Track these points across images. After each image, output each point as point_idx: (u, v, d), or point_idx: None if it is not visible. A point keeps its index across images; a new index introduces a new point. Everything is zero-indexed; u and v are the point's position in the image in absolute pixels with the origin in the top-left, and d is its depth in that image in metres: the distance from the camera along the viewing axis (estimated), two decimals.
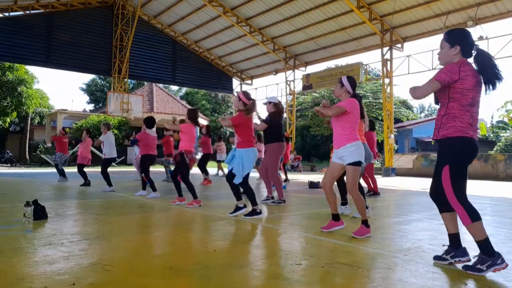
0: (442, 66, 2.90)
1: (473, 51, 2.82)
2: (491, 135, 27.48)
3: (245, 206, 5.15)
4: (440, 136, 2.79)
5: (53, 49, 23.12)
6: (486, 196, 8.71)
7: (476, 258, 2.72)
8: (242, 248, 3.53)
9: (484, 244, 2.68)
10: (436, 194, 2.92)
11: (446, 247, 2.99)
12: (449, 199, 2.75)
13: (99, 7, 24.79)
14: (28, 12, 22.19)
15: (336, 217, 4.10)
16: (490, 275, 2.68)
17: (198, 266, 2.83)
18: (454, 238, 2.93)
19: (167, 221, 4.96)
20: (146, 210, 5.75)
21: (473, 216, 2.69)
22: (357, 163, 3.85)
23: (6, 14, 21.59)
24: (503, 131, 25.24)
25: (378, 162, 27.63)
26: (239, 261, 3.02)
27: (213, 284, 2.44)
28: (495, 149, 22.66)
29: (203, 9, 22.61)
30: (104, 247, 3.38)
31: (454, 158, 2.75)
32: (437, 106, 3.00)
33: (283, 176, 12.76)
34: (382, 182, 13.58)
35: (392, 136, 19.57)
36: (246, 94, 5.22)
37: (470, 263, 2.78)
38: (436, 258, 2.99)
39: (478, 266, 2.67)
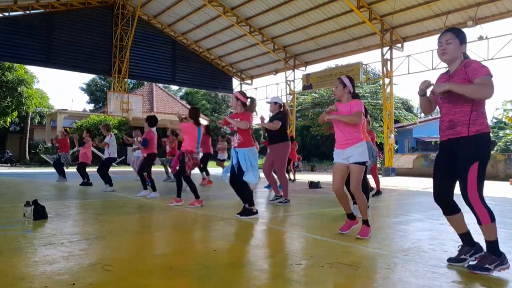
0: (444, 64, 2.90)
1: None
2: (491, 135, 27.47)
3: (257, 212, 5.09)
4: (474, 132, 2.67)
5: (53, 49, 23.13)
6: (486, 196, 8.67)
7: (483, 257, 2.73)
8: (242, 248, 3.53)
9: (495, 244, 2.71)
10: (449, 196, 2.88)
11: (460, 247, 2.97)
12: (472, 197, 2.68)
13: (99, 7, 24.79)
14: (28, 12, 22.19)
15: (351, 216, 4.05)
16: (490, 275, 2.68)
17: (198, 266, 2.83)
18: (467, 237, 2.92)
19: (167, 221, 4.96)
20: (146, 210, 5.75)
21: (492, 216, 2.70)
22: (363, 163, 3.82)
23: (6, 14, 21.59)
24: (502, 131, 25.24)
25: (379, 162, 27.63)
26: (239, 261, 3.02)
27: (213, 284, 2.44)
28: (495, 149, 22.65)
29: (203, 9, 22.61)
30: (104, 247, 3.38)
31: (485, 155, 2.70)
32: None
33: (291, 176, 12.82)
34: (382, 182, 13.56)
35: (392, 136, 19.57)
36: (243, 93, 5.28)
37: (475, 263, 2.77)
38: (453, 260, 2.92)
39: (487, 265, 2.67)
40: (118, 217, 5.04)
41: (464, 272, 2.75)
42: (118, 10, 24.71)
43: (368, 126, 7.40)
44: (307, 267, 2.84)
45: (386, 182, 13.27)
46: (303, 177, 14.97)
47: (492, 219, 2.68)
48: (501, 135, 24.32)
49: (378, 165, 22.31)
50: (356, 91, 4.14)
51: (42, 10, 22.82)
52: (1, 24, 21.52)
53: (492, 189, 10.64)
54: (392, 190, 9.97)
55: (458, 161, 2.75)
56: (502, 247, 3.52)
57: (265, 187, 9.55)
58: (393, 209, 6.55)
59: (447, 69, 2.91)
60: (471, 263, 2.80)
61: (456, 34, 2.80)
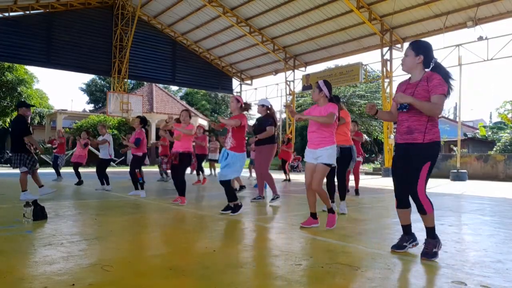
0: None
1: (431, 64, 3.18)
2: (491, 135, 27.45)
3: (241, 205, 5.33)
4: (428, 140, 3.07)
5: (53, 49, 23.12)
6: (486, 196, 8.71)
7: (427, 243, 3.11)
8: (241, 248, 3.54)
9: (433, 229, 3.17)
10: (406, 194, 3.24)
11: (401, 237, 3.41)
12: (420, 191, 3.09)
13: (99, 7, 24.79)
14: (28, 12, 22.18)
15: (315, 216, 4.38)
16: (490, 276, 2.68)
17: (198, 266, 2.84)
18: (409, 228, 3.39)
19: (167, 221, 4.96)
20: (145, 211, 5.75)
21: (433, 206, 3.16)
22: (329, 165, 4.16)
23: (6, 14, 21.59)
24: (501, 131, 25.22)
25: (378, 162, 27.59)
26: (239, 261, 3.02)
27: (213, 284, 2.44)
28: (494, 149, 22.63)
29: (203, 9, 22.61)
30: (103, 248, 3.38)
31: (435, 156, 3.12)
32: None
33: (287, 176, 12.82)
34: (382, 182, 13.58)
35: (392, 136, 19.55)
36: (241, 98, 5.58)
37: (425, 251, 3.09)
38: (395, 247, 3.33)
39: (434, 250, 3.08)
40: (118, 218, 5.04)
41: (464, 272, 2.75)
42: (118, 10, 24.71)
43: (355, 128, 7.61)
44: (307, 268, 2.84)
45: (386, 182, 13.27)
46: (303, 177, 14.95)
47: (433, 208, 3.15)
48: (501, 135, 24.32)
49: (378, 166, 22.26)
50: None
51: (42, 11, 22.81)
52: (1, 24, 21.51)
53: (492, 189, 10.64)
54: (392, 191, 9.96)
55: (410, 161, 3.13)
56: (502, 248, 3.53)
57: (254, 186, 9.42)
58: (392, 209, 6.54)
59: (409, 76, 3.28)
60: (424, 253, 3.09)
61: (411, 46, 3.18)
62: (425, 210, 3.09)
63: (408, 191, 3.20)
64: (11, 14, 21.77)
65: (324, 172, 4.15)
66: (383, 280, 2.57)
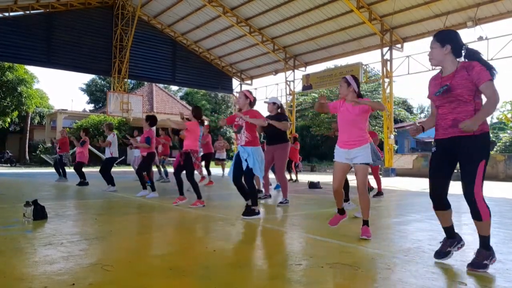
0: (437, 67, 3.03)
1: (463, 51, 2.89)
2: (491, 135, 27.45)
3: (259, 212, 5.06)
4: (479, 131, 2.71)
5: (53, 49, 23.12)
6: (485, 196, 8.66)
7: (479, 255, 2.78)
8: (242, 248, 3.54)
9: (489, 239, 2.80)
10: (444, 193, 2.95)
11: (443, 241, 3.07)
12: (477, 195, 2.74)
13: (99, 7, 24.78)
14: (28, 12, 22.18)
15: (342, 211, 4.13)
16: (490, 276, 2.68)
17: (198, 266, 2.84)
18: (452, 229, 3.05)
19: (167, 221, 4.96)
20: (146, 211, 5.75)
21: (490, 212, 2.78)
22: (368, 164, 3.87)
23: (6, 14, 21.59)
24: (502, 131, 25.26)
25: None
26: (239, 261, 3.02)
27: (213, 284, 2.44)
28: (495, 149, 22.64)
29: (203, 9, 22.61)
30: (104, 247, 3.38)
31: (489, 153, 2.82)
32: None
33: (293, 177, 12.81)
34: (382, 182, 13.56)
35: (392, 136, 19.56)
36: (250, 92, 5.38)
37: (476, 261, 2.78)
38: (442, 255, 2.99)
39: (485, 262, 2.75)
40: (118, 217, 5.04)
41: (464, 272, 2.75)
42: (118, 10, 24.70)
43: (369, 127, 7.45)
44: (307, 268, 2.84)
45: (386, 182, 13.26)
46: (303, 177, 14.95)
47: (490, 215, 2.78)
48: (501, 136, 24.33)
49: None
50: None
51: (42, 10, 22.80)
52: (1, 24, 21.51)
53: (492, 190, 10.64)
54: (392, 191, 9.97)
55: (457, 160, 2.85)
56: (502, 248, 3.53)
57: (274, 188, 9.23)
58: (393, 209, 6.55)
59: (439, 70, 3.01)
60: (471, 263, 2.80)
61: (436, 38, 2.93)
62: (481, 216, 2.71)
63: (444, 191, 2.92)
64: (11, 14, 21.76)
65: (366, 172, 3.86)
66: (384, 280, 2.57)
